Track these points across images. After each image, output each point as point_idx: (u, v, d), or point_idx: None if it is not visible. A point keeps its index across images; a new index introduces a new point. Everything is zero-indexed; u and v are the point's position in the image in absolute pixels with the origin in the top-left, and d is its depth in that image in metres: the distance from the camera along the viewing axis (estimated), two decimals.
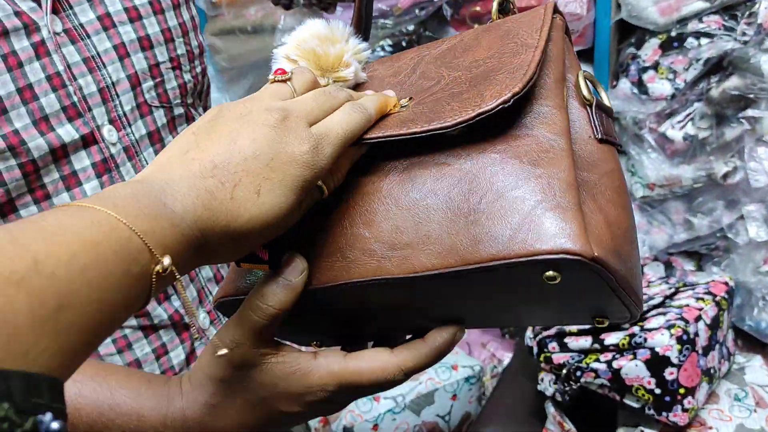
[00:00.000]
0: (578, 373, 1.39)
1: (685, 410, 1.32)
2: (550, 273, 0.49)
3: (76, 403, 0.64)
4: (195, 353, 0.92)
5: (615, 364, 1.34)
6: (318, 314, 0.63)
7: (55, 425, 0.33)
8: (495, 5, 0.64)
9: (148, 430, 0.63)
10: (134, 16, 0.86)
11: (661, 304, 1.47)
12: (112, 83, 0.83)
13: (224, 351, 0.57)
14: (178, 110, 0.90)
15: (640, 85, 1.74)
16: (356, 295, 0.58)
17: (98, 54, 0.82)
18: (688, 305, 1.42)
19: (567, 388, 1.42)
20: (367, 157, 0.59)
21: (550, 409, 1.47)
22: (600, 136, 0.57)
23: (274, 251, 0.58)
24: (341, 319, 0.65)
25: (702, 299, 1.44)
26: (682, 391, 1.31)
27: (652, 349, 1.31)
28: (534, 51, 0.56)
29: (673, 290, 1.53)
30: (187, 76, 0.92)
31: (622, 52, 1.85)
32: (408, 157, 0.57)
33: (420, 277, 0.53)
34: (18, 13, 0.76)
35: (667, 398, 1.31)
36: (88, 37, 0.81)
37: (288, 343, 0.61)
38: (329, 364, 0.59)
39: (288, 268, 0.57)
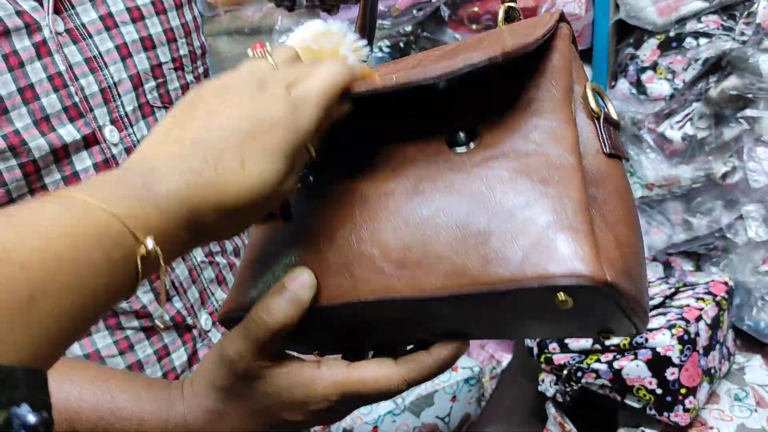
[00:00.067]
0: (579, 374, 1.39)
1: (686, 410, 1.32)
2: (561, 296, 0.48)
3: (77, 406, 0.63)
4: (197, 355, 0.92)
5: (616, 365, 1.34)
6: (319, 328, 0.63)
7: (31, 418, 0.33)
8: (501, 13, 0.63)
9: None
10: (136, 16, 0.85)
11: (662, 305, 1.47)
12: (114, 83, 0.82)
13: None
14: None
15: (639, 86, 1.74)
16: (360, 310, 0.57)
17: (100, 54, 0.81)
18: (688, 305, 1.42)
19: (568, 389, 1.42)
20: (373, 171, 0.58)
21: (551, 409, 1.46)
22: (608, 151, 0.56)
23: (286, 203, 0.57)
24: (342, 331, 0.64)
25: (702, 299, 1.44)
26: (683, 391, 1.31)
27: (653, 349, 1.31)
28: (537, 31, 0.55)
29: (673, 290, 1.53)
30: (189, 77, 0.92)
31: (620, 52, 1.85)
32: (416, 174, 0.56)
33: (429, 298, 0.52)
34: (19, 13, 0.75)
35: (669, 398, 1.31)
36: (90, 37, 0.81)
37: (292, 352, 0.61)
38: (333, 375, 0.58)
39: (296, 283, 0.56)
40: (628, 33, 1.85)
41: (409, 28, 2.00)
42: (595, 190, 0.53)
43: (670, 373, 1.30)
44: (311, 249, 0.58)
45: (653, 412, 1.34)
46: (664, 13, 1.68)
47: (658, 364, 1.31)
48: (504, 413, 1.59)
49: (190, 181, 0.47)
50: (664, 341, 1.30)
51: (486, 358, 2.05)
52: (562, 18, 0.58)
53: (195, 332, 0.91)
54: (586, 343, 1.39)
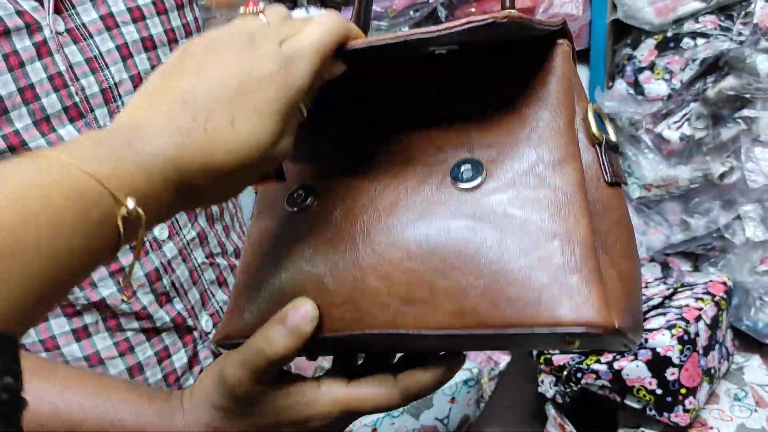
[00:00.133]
0: (579, 375, 1.38)
1: (686, 410, 1.32)
2: (569, 338, 0.48)
3: (79, 417, 0.63)
4: (198, 356, 0.91)
5: (616, 365, 1.34)
6: (313, 345, 0.62)
7: None
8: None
9: None
10: (137, 16, 0.84)
11: (661, 305, 1.47)
12: (115, 84, 0.81)
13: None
14: None
15: (636, 86, 1.74)
16: (362, 338, 0.56)
17: (101, 54, 0.81)
18: (687, 305, 1.41)
19: (567, 390, 1.41)
20: (375, 198, 0.57)
21: (551, 411, 1.46)
22: (610, 180, 0.55)
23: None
24: (337, 348, 0.63)
25: (701, 299, 1.44)
26: (683, 391, 1.31)
27: (653, 350, 1.31)
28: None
29: (671, 291, 1.53)
30: None
31: (617, 52, 1.85)
32: (419, 206, 0.55)
33: (435, 335, 0.52)
34: (20, 13, 0.75)
35: (669, 399, 1.31)
36: (91, 37, 0.80)
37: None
38: (333, 393, 0.58)
39: (298, 315, 0.55)
40: (626, 33, 1.85)
41: (405, 29, 1.99)
42: (598, 222, 0.52)
43: (670, 374, 1.30)
44: (312, 277, 0.57)
45: (653, 412, 1.33)
46: (662, 14, 1.68)
47: (658, 364, 1.30)
48: (503, 414, 1.59)
49: (177, 140, 0.45)
50: (664, 341, 1.30)
51: (484, 359, 2.05)
52: (565, 33, 0.56)
53: (196, 334, 0.91)
54: None
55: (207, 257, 0.92)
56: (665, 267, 1.88)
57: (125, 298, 0.82)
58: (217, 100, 0.46)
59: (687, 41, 1.69)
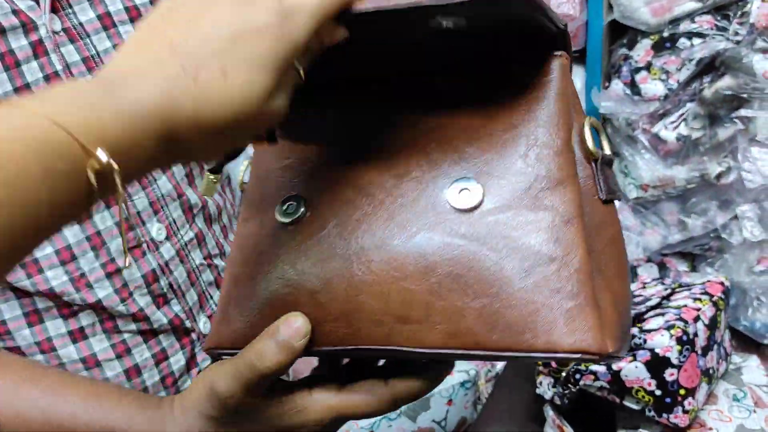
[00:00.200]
0: (577, 376, 1.38)
1: (685, 411, 1.31)
2: (563, 360, 0.50)
3: (70, 424, 0.63)
4: (195, 358, 0.91)
5: (614, 366, 1.33)
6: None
7: None
8: None
9: None
10: (135, 15, 0.84)
11: (659, 305, 1.46)
12: None
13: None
14: None
15: (633, 86, 1.74)
16: (354, 351, 0.56)
17: (98, 54, 0.80)
18: (686, 305, 1.41)
19: (566, 391, 1.41)
20: (370, 214, 0.56)
21: (549, 412, 1.45)
22: (605, 197, 0.55)
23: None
24: (327, 357, 0.64)
25: (699, 299, 1.44)
26: (682, 392, 1.30)
27: (652, 350, 1.30)
28: None
29: (669, 291, 1.52)
30: None
31: (614, 53, 1.85)
32: (418, 229, 0.54)
33: (431, 353, 0.52)
34: (16, 12, 0.74)
35: (668, 399, 1.30)
36: (88, 36, 0.79)
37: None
38: (325, 400, 0.58)
39: (290, 330, 0.54)
40: (622, 33, 1.84)
41: None
42: (592, 242, 0.52)
43: (669, 374, 1.29)
44: (304, 291, 0.56)
45: (652, 413, 1.33)
46: (658, 14, 1.68)
47: (657, 365, 1.29)
48: (501, 416, 1.58)
49: (164, 90, 0.42)
50: (663, 342, 1.29)
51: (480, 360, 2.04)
52: (565, 41, 0.55)
53: (194, 336, 0.90)
54: None
55: (205, 258, 0.91)
56: (662, 267, 1.88)
57: (126, 264, 0.81)
58: (209, 50, 0.44)
59: (683, 41, 1.68)
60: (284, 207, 0.59)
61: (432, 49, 0.56)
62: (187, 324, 0.89)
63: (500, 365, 1.96)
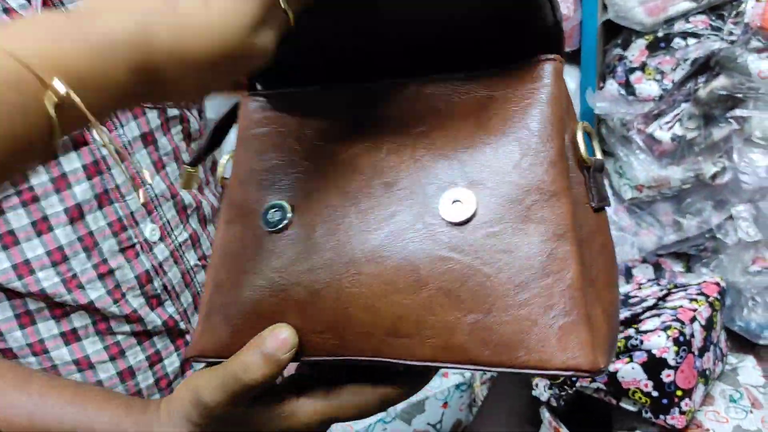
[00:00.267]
0: (574, 378, 1.37)
1: (682, 413, 1.31)
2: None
3: (55, 428, 0.62)
4: (190, 361, 0.90)
5: (611, 368, 1.33)
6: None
7: None
8: None
9: None
10: None
11: (655, 306, 1.46)
12: None
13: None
14: (172, 111, 0.87)
15: (628, 86, 1.74)
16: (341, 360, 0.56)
17: None
18: (682, 306, 1.41)
19: (562, 393, 1.40)
20: (358, 225, 0.55)
21: (546, 414, 1.45)
22: (596, 205, 0.54)
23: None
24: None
25: (695, 300, 1.43)
26: (679, 393, 1.30)
27: (648, 351, 1.30)
28: None
29: (665, 292, 1.52)
30: None
31: (608, 53, 1.85)
32: (408, 241, 0.53)
33: (421, 365, 0.52)
34: (6, 10, 0.73)
35: (665, 401, 1.30)
36: None
37: None
38: (313, 404, 0.57)
39: (276, 342, 0.53)
40: (616, 33, 1.85)
41: None
42: (584, 253, 0.51)
43: (666, 375, 1.29)
44: (291, 301, 0.55)
45: (649, 415, 1.32)
46: (653, 14, 1.68)
47: (653, 366, 1.29)
48: (497, 419, 1.58)
49: (140, 20, 0.40)
50: (659, 343, 1.29)
51: None
52: (559, 39, 0.53)
53: (188, 337, 0.89)
54: None
55: (200, 259, 0.90)
56: (657, 268, 1.88)
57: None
58: None
59: (678, 41, 1.68)
60: (268, 214, 0.58)
61: (423, 49, 0.55)
62: (182, 326, 0.88)
63: None
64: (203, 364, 0.61)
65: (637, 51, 1.75)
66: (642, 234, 1.84)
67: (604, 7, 1.76)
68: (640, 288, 1.59)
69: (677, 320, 1.33)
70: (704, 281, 1.53)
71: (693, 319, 1.35)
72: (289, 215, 0.57)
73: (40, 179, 0.75)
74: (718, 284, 1.52)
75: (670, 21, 1.70)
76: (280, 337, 0.53)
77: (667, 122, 1.69)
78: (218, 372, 0.55)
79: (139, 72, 0.40)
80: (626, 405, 1.34)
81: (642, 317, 1.39)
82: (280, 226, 0.57)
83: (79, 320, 0.79)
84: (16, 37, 0.36)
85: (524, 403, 1.56)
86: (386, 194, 0.54)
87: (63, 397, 0.64)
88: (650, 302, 1.46)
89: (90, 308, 0.79)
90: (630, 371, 1.31)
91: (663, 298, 1.49)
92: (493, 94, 0.53)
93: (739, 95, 1.61)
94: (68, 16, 0.40)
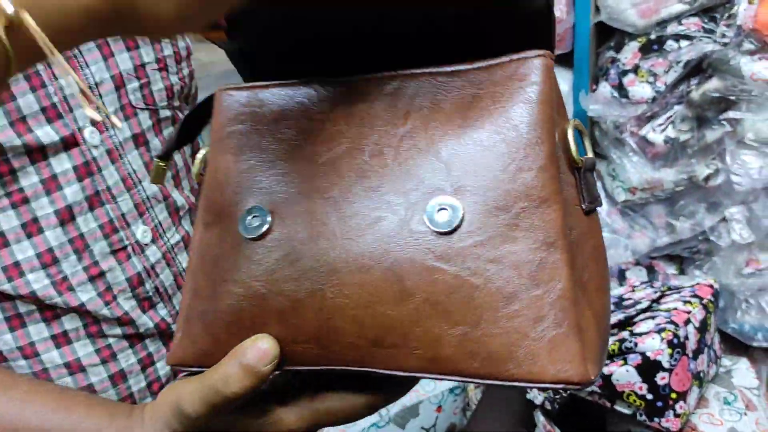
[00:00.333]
0: (565, 390, 1.37)
1: (677, 415, 1.31)
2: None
3: None
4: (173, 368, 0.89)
5: (605, 370, 1.32)
6: None
7: None
8: None
9: None
10: None
11: (649, 308, 1.45)
12: (96, 84, 0.79)
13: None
14: (164, 113, 0.87)
15: (621, 89, 1.74)
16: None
17: (80, 53, 0.78)
18: (676, 308, 1.40)
19: (556, 396, 1.40)
20: (340, 233, 0.53)
21: (540, 417, 1.44)
22: (587, 207, 0.52)
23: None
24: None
25: (689, 302, 1.43)
26: (673, 395, 1.29)
27: (643, 354, 1.29)
28: None
29: (658, 294, 1.52)
30: (174, 78, 0.88)
31: (601, 55, 1.85)
32: (393, 250, 0.50)
33: (407, 376, 0.51)
34: None
35: (659, 403, 1.30)
36: None
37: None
38: (299, 410, 0.56)
39: (257, 353, 0.52)
40: (609, 36, 1.85)
41: None
42: (575, 258, 0.49)
43: (661, 378, 1.28)
44: (273, 310, 0.53)
45: (644, 418, 1.32)
46: (645, 16, 1.68)
47: (648, 368, 1.29)
48: (491, 423, 1.57)
49: None
50: (654, 345, 1.29)
51: None
52: (550, 32, 0.51)
53: None
54: None
55: None
56: (651, 270, 1.88)
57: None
58: None
59: (671, 43, 1.69)
60: (247, 221, 0.55)
61: (404, 37, 0.52)
62: (174, 328, 0.87)
63: None
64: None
65: (629, 53, 1.75)
66: (635, 236, 1.84)
67: (597, 10, 1.76)
68: (633, 290, 1.58)
69: (671, 322, 1.33)
70: (698, 283, 1.53)
71: (687, 322, 1.35)
72: (268, 221, 0.54)
73: (30, 180, 0.74)
74: (711, 286, 1.51)
75: (662, 23, 1.70)
76: (261, 349, 0.52)
77: (660, 124, 1.69)
78: (199, 383, 0.54)
79: (111, 2, 0.37)
80: (621, 408, 1.34)
81: (636, 319, 1.39)
82: (259, 233, 0.54)
83: (70, 323, 0.78)
84: None
85: (518, 406, 1.55)
86: (369, 200, 0.52)
87: (46, 403, 0.64)
88: (644, 304, 1.46)
89: (81, 311, 0.78)
90: (624, 374, 1.30)
91: (657, 301, 1.48)
92: (480, 92, 0.51)
93: (732, 97, 1.61)
94: None
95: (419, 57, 0.53)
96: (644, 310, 1.44)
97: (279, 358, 0.53)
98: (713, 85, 1.62)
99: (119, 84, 0.81)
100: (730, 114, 1.63)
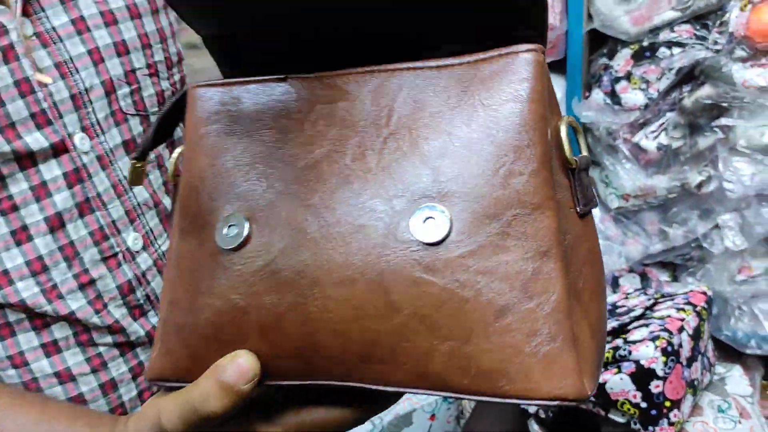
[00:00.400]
0: (561, 406, 1.36)
1: (671, 424, 1.30)
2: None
3: None
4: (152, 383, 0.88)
5: (600, 378, 1.32)
6: None
7: None
8: None
9: None
10: (110, 20, 0.81)
11: (642, 316, 1.45)
12: (86, 89, 0.78)
13: None
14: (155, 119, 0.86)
15: (613, 96, 1.74)
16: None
17: (71, 59, 0.77)
18: (669, 316, 1.40)
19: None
20: (321, 243, 0.50)
21: (534, 426, 1.44)
22: (581, 210, 0.49)
23: None
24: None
25: (683, 309, 1.43)
26: (667, 404, 1.29)
27: (636, 362, 1.29)
28: None
29: (652, 301, 1.51)
30: (164, 84, 0.88)
31: (594, 62, 1.85)
32: (378, 261, 0.47)
33: (395, 391, 0.49)
34: None
35: (654, 412, 1.29)
36: (61, 41, 0.77)
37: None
38: (285, 422, 0.55)
39: (237, 371, 0.50)
40: (602, 43, 1.85)
41: None
42: (570, 266, 0.47)
43: (655, 386, 1.28)
44: (254, 325, 0.51)
45: (638, 426, 1.31)
46: (638, 23, 1.68)
47: (642, 377, 1.28)
48: (485, 431, 1.57)
49: None
50: (648, 353, 1.28)
51: None
52: (543, 24, 0.49)
53: None
54: None
55: None
56: (644, 277, 1.88)
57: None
58: None
59: (663, 50, 1.69)
60: (224, 231, 0.52)
61: (395, 35, 0.49)
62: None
63: None
64: None
65: (622, 60, 1.75)
66: (628, 243, 1.84)
67: (590, 17, 1.76)
68: (627, 297, 1.58)
69: (665, 330, 1.32)
70: (691, 290, 1.53)
71: (681, 329, 1.35)
72: (246, 230, 0.51)
73: (19, 187, 0.73)
74: (704, 293, 1.51)
75: (655, 30, 1.70)
76: (240, 366, 0.50)
77: (653, 131, 1.69)
78: (178, 399, 0.52)
79: None
80: (615, 416, 1.33)
81: (630, 327, 1.39)
82: (237, 243, 0.51)
83: (60, 331, 0.77)
84: None
85: (512, 414, 1.55)
86: (352, 207, 0.49)
87: (30, 414, 0.63)
88: (638, 312, 1.46)
89: (71, 319, 0.77)
90: (618, 382, 1.30)
91: (650, 308, 1.48)
92: (468, 90, 0.48)
93: (724, 104, 1.61)
94: None
95: (403, 47, 0.50)
96: (638, 318, 1.44)
97: (260, 374, 0.51)
98: (705, 92, 1.63)
99: (110, 90, 0.80)
100: (723, 121, 1.63)
